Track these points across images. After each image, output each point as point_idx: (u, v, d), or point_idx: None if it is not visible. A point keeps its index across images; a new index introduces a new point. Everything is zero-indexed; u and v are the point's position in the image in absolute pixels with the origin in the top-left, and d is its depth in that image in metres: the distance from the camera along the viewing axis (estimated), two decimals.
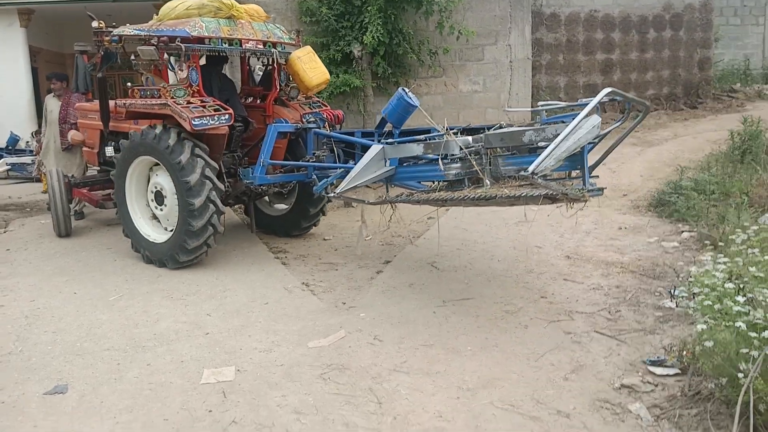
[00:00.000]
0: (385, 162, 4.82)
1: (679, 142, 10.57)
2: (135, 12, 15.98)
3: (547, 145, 3.85)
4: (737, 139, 8.55)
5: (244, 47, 6.01)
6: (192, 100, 5.70)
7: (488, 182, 4.29)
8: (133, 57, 6.16)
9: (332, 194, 5.26)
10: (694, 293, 3.19)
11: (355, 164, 5.52)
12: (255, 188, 6.17)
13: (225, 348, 4.18)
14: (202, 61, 6.27)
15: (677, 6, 13.58)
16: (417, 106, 5.45)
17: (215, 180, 5.67)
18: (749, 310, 2.81)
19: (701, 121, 12.51)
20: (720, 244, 4.76)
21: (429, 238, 6.72)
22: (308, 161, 5.91)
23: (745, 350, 2.71)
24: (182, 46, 5.58)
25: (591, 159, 4.25)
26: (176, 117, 5.55)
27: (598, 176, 4.38)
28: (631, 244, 6.03)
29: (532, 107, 11.06)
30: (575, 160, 4.03)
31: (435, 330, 4.34)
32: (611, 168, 8.75)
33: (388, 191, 5.09)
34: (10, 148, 11.58)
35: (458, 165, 4.47)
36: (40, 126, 8.49)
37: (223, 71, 6.84)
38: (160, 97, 5.74)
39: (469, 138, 4.49)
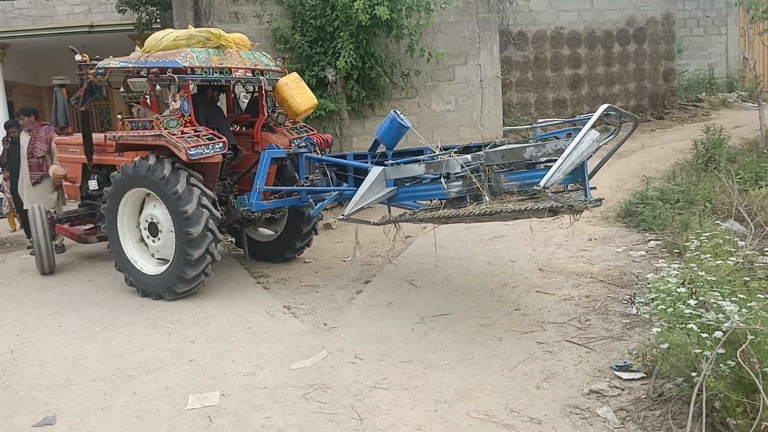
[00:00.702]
0: (386, 183, 4.95)
1: (646, 153, 10.89)
2: (110, 43, 16.12)
3: (548, 161, 4.14)
4: (701, 148, 8.86)
5: (234, 76, 6.10)
6: (185, 130, 5.73)
7: (488, 198, 4.49)
8: (122, 89, 6.23)
9: (340, 217, 5.27)
10: (651, 299, 3.38)
11: (348, 187, 5.75)
12: (249, 215, 6.18)
13: (209, 373, 4.29)
14: (193, 91, 6.36)
15: (640, 20, 14.04)
16: (409, 127, 5.64)
17: (212, 208, 5.70)
18: (701, 313, 3.00)
19: (668, 132, 12.88)
20: (682, 251, 4.98)
21: (407, 256, 6.88)
22: (302, 185, 6.02)
23: (698, 350, 2.90)
24: (175, 77, 5.62)
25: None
26: (171, 147, 5.57)
27: (596, 188, 4.55)
28: (601, 254, 6.25)
29: (504, 124, 11.36)
30: (575, 173, 4.20)
31: (414, 346, 4.49)
32: None
33: (390, 212, 5.19)
34: None
35: (459, 183, 4.62)
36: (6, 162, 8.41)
37: (215, 100, 6.87)
38: (152, 128, 5.77)
39: (468, 156, 4.66)
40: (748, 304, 3.02)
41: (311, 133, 6.79)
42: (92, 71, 6.13)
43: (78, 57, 6.31)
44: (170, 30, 6.28)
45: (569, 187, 4.46)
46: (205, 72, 5.85)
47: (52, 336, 5.19)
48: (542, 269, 5.97)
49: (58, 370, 4.50)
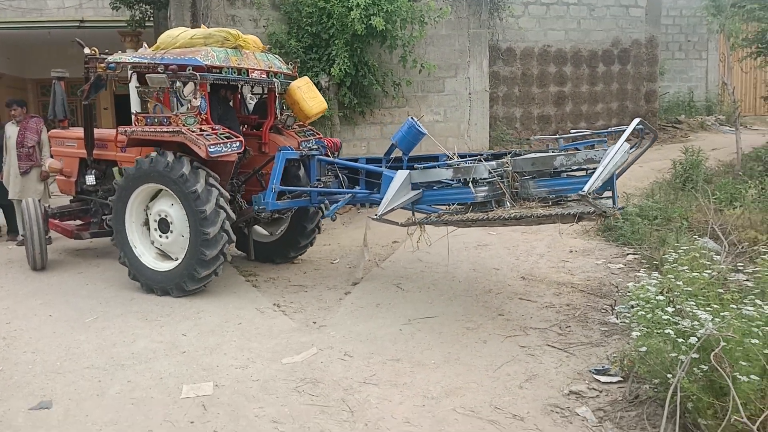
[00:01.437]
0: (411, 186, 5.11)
1: (626, 171, 11.17)
2: (100, 39, 16.11)
3: (578, 169, 4.51)
4: (679, 168, 9.17)
5: (251, 77, 6.14)
6: (203, 127, 5.77)
7: (509, 204, 4.72)
8: (137, 84, 6.25)
9: (373, 217, 5.32)
10: (631, 306, 3.58)
11: (361, 190, 5.96)
12: (261, 214, 6.19)
13: (202, 365, 4.40)
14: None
15: (625, 42, 14.43)
16: (425, 134, 5.89)
17: (228, 209, 5.75)
18: (678, 320, 3.21)
19: (648, 151, 13.20)
20: (658, 264, 5.21)
21: (394, 260, 7.05)
22: (314, 187, 6.15)
23: (674, 354, 3.10)
24: (197, 74, 5.65)
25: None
26: (190, 144, 5.60)
27: (619, 196, 4.73)
28: (581, 265, 6.47)
29: (490, 137, 11.61)
30: (606, 181, 4.39)
31: (401, 346, 4.65)
32: None
33: (414, 214, 5.33)
34: None
35: (485, 188, 4.82)
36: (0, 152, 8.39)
37: (228, 100, 6.92)
38: (170, 124, 5.79)
39: (494, 163, 4.88)
40: (721, 314, 3.23)
41: (317, 136, 6.88)
42: (102, 65, 6.15)
43: (87, 50, 6.32)
44: (184, 28, 6.35)
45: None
46: (226, 71, 5.90)
47: (44, 325, 5.25)
48: (525, 278, 6.17)
49: (51, 357, 4.58)
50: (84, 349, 4.71)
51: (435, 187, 5.13)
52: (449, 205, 5.14)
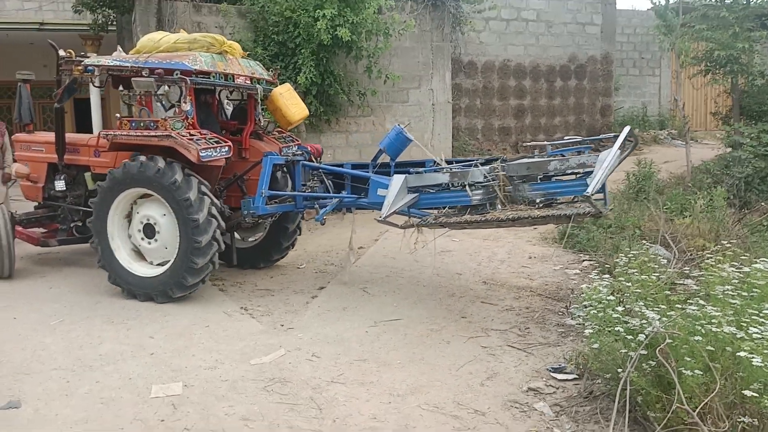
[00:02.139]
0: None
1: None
2: (60, 43, 15.86)
3: (573, 173, 4.89)
4: (633, 180, 9.57)
5: (236, 82, 6.13)
6: (192, 132, 5.75)
7: (500, 206, 5.02)
8: (121, 88, 6.17)
9: (378, 219, 5.41)
10: (584, 306, 3.81)
11: (348, 195, 6.09)
12: (245, 220, 6.19)
13: (171, 366, 4.46)
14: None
15: (581, 58, 14.94)
16: (412, 140, 6.09)
17: (219, 218, 5.73)
18: (627, 319, 3.44)
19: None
20: (611, 269, 5.48)
21: (360, 265, 7.18)
22: (304, 192, 6.23)
23: (624, 351, 3.32)
24: (186, 79, 5.63)
25: None
26: (180, 148, 5.57)
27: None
28: (540, 271, 6.73)
29: (452, 147, 11.87)
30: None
31: (368, 347, 4.78)
32: None
33: (409, 217, 5.48)
34: None
35: (481, 191, 5.07)
36: None
37: (208, 105, 6.90)
38: (157, 128, 5.73)
39: (488, 167, 5.14)
40: (668, 313, 3.47)
41: (296, 142, 6.95)
42: (79, 68, 6.05)
43: (62, 52, 6.23)
44: (164, 33, 6.32)
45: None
46: (213, 77, 5.88)
47: (8, 328, 5.22)
48: (486, 282, 6.38)
49: (17, 359, 4.57)
50: (50, 351, 4.71)
51: (432, 191, 5.31)
52: (441, 208, 5.35)
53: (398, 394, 3.99)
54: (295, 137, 7.16)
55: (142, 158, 5.68)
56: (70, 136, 6.82)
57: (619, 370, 3.29)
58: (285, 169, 6.51)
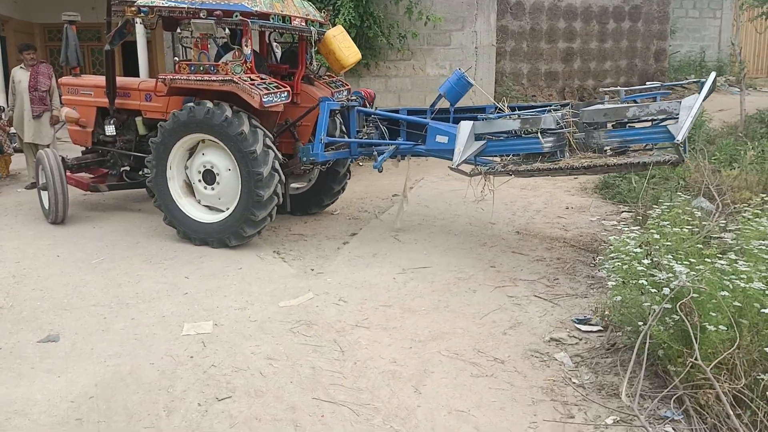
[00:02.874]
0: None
1: None
2: None
3: (648, 120, 4.84)
4: None
5: (293, 24, 5.96)
6: (252, 77, 5.66)
7: (567, 154, 5.02)
8: (179, 30, 6.09)
9: (451, 167, 5.39)
10: (610, 258, 3.73)
11: (404, 141, 6.05)
12: (302, 168, 6.16)
13: (203, 306, 4.61)
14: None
15: None
16: (473, 85, 6.05)
17: (275, 149, 5.68)
18: (654, 272, 3.35)
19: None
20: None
21: (393, 213, 7.18)
22: (361, 138, 6.19)
23: (647, 304, 3.25)
24: (248, 21, 5.48)
25: None
26: (243, 94, 5.50)
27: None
28: (576, 222, 6.61)
29: (495, 92, 11.59)
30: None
31: (394, 293, 4.83)
32: None
33: (476, 165, 5.46)
34: None
35: (552, 138, 5.00)
36: (7, 97, 8.39)
37: (260, 48, 6.77)
38: (217, 72, 5.67)
39: (559, 114, 5.07)
40: (697, 267, 3.37)
41: (347, 86, 6.81)
42: (132, 8, 5.88)
43: None
44: None
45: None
46: (274, 18, 5.73)
47: (52, 264, 5.46)
48: (519, 232, 6.31)
49: (59, 294, 4.80)
50: (90, 288, 4.92)
51: (500, 138, 5.25)
52: (503, 156, 5.33)
53: (420, 339, 4.03)
54: (346, 82, 7.01)
55: (209, 104, 5.60)
56: (121, 80, 6.73)
57: (641, 323, 3.24)
58: (339, 114, 6.39)
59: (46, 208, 6.65)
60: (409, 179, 6.43)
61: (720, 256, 3.60)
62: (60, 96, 8.28)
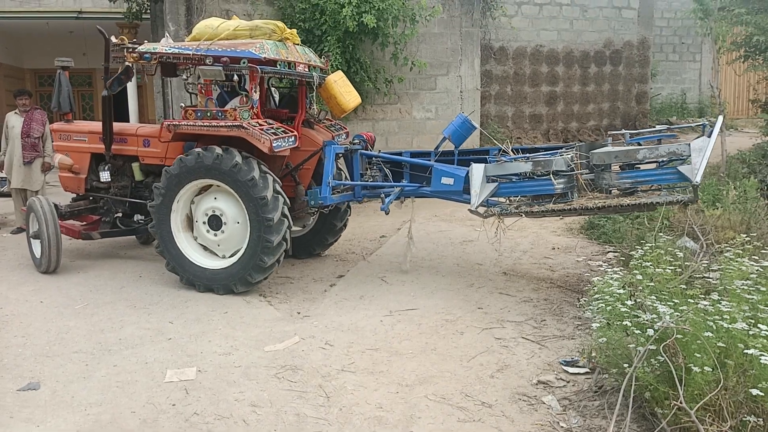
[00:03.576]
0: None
1: None
2: (96, 29, 16.18)
3: (654, 161, 5.05)
4: None
5: (297, 70, 6.00)
6: (259, 122, 5.68)
7: (575, 195, 5.21)
8: (185, 77, 6.10)
9: (470, 209, 5.47)
10: (594, 299, 3.74)
11: (408, 183, 6.15)
12: (316, 210, 6.15)
13: (187, 351, 4.55)
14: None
15: (617, 43, 14.58)
16: (477, 128, 6.18)
17: (284, 195, 5.65)
18: (638, 313, 3.36)
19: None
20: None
21: (380, 254, 7.19)
22: (366, 180, 6.26)
23: (632, 345, 3.25)
24: (257, 67, 5.52)
25: None
26: (252, 139, 5.50)
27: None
28: (562, 262, 6.63)
29: (480, 135, 11.74)
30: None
31: (381, 336, 4.80)
32: None
33: (487, 206, 5.55)
34: None
35: (564, 179, 5.17)
36: None
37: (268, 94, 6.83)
38: (225, 118, 5.66)
39: (568, 157, 5.24)
40: (680, 308, 3.39)
41: (345, 130, 6.87)
42: (133, 55, 5.91)
43: (114, 39, 6.08)
44: (221, 19, 6.18)
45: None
46: (281, 65, 5.76)
47: (35, 310, 5.39)
48: (506, 273, 6.32)
49: (41, 341, 4.72)
50: (73, 335, 4.85)
51: (513, 180, 5.38)
52: (510, 197, 5.48)
53: (407, 384, 3.99)
54: (344, 125, 7.09)
55: (218, 149, 5.55)
56: (117, 126, 6.66)
57: (626, 365, 3.23)
58: (341, 157, 6.42)
59: (38, 257, 6.47)
60: (413, 221, 6.48)
61: (703, 296, 3.63)
62: (52, 142, 8.31)
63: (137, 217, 6.96)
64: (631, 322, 3.26)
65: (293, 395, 3.87)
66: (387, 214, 6.06)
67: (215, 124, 5.66)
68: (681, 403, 2.85)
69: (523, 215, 5.40)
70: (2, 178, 8.55)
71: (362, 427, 3.49)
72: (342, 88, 6.60)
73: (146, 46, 5.97)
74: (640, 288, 3.68)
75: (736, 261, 3.88)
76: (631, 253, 6.28)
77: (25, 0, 16.66)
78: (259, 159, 5.62)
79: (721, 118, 5.00)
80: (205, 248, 5.96)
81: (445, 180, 5.76)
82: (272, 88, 7.19)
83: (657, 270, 3.80)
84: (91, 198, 6.99)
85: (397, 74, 10.38)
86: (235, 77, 5.75)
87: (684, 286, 3.86)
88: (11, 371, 4.21)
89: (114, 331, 4.94)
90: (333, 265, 6.80)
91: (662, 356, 3.18)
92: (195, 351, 4.55)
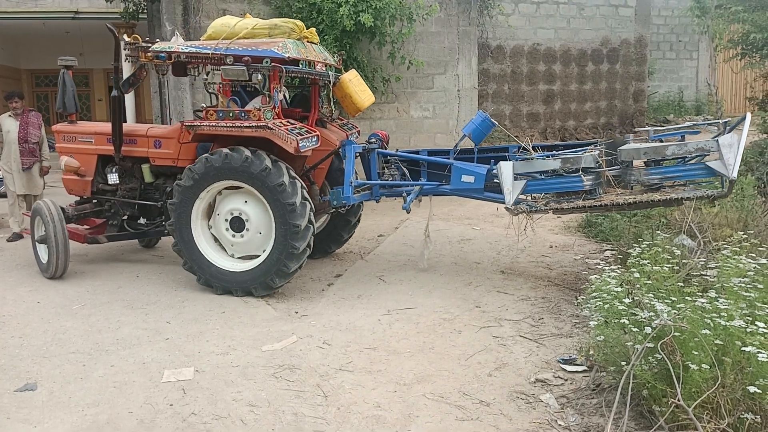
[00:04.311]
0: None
1: None
2: (94, 31, 16.17)
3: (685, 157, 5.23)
4: None
5: (315, 70, 5.93)
6: (281, 122, 5.59)
7: (600, 191, 5.33)
8: (205, 76, 5.96)
9: (506, 207, 5.50)
10: (592, 297, 3.74)
11: (427, 182, 6.17)
12: (337, 209, 6.13)
13: (184, 351, 4.54)
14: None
15: (614, 41, 14.58)
16: (496, 125, 6.30)
17: (311, 202, 5.61)
18: (636, 311, 3.36)
19: None
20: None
21: (378, 254, 7.19)
22: (386, 180, 6.25)
23: (630, 343, 3.25)
24: (282, 67, 5.44)
25: None
26: (278, 140, 5.42)
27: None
28: (560, 260, 6.63)
29: None
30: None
31: (379, 335, 4.79)
32: None
33: (518, 203, 5.57)
34: None
35: (592, 176, 5.28)
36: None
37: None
38: (248, 118, 5.53)
39: (597, 152, 5.37)
40: (677, 306, 3.39)
41: (356, 129, 6.84)
42: (148, 54, 5.80)
43: (127, 38, 5.92)
44: (236, 18, 6.01)
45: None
46: (302, 64, 5.68)
47: (32, 311, 5.38)
48: (504, 272, 6.32)
49: (38, 342, 4.71)
50: (70, 335, 4.84)
51: (540, 177, 5.45)
52: (531, 195, 5.57)
53: (404, 383, 3.99)
54: (355, 124, 7.04)
55: (247, 152, 5.43)
56: (127, 127, 6.49)
57: (624, 363, 3.23)
58: (358, 156, 6.36)
59: (44, 262, 6.30)
60: (431, 219, 6.50)
61: (701, 294, 3.63)
62: (48, 144, 8.23)
63: (142, 219, 6.82)
64: (628, 319, 3.25)
65: (291, 395, 3.86)
66: (408, 212, 6.04)
67: (239, 125, 5.53)
68: (678, 400, 2.84)
69: (551, 212, 5.47)
70: None
71: (360, 426, 3.48)
72: (357, 87, 6.55)
73: (161, 45, 5.84)
74: (638, 286, 3.68)
75: (734, 258, 3.88)
76: (628, 251, 6.31)
77: (21, 0, 16.65)
78: (281, 160, 5.54)
79: (748, 115, 5.05)
80: (216, 240, 5.86)
81: (465, 178, 5.79)
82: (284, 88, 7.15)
83: (654, 268, 3.80)
84: (94, 201, 6.81)
85: (395, 73, 10.38)
86: (260, 77, 5.62)
87: (681, 284, 3.86)
88: (8, 372, 4.20)
89: (111, 331, 4.93)
90: (331, 265, 6.79)
91: (660, 354, 3.18)
92: (192, 351, 4.54)
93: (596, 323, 3.46)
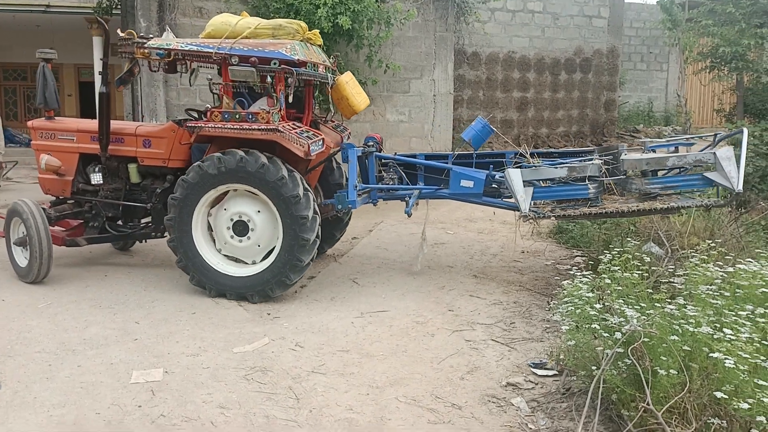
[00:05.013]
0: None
1: None
2: (66, 25, 15.87)
3: (684, 168, 5.51)
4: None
5: (318, 71, 5.83)
6: (288, 125, 5.49)
7: (601, 199, 5.56)
8: (209, 77, 5.81)
9: (522, 215, 5.45)
10: (563, 302, 3.79)
11: (425, 186, 6.24)
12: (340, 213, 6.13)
13: (153, 352, 4.47)
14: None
15: (587, 51, 14.82)
16: (495, 131, 6.43)
17: (312, 192, 5.52)
18: (606, 316, 3.41)
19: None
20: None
21: (352, 256, 7.18)
22: (387, 183, 6.27)
23: (600, 348, 3.30)
24: (292, 69, 5.35)
25: None
26: (287, 143, 5.33)
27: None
28: (531, 266, 6.70)
29: (453, 139, 11.82)
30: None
31: (352, 338, 4.78)
32: None
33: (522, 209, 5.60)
34: None
35: (596, 184, 5.46)
36: None
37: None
38: (256, 121, 5.38)
39: (600, 161, 5.56)
40: (647, 312, 3.45)
41: (348, 131, 6.83)
42: (144, 51, 5.60)
43: (121, 33, 5.71)
44: (236, 16, 5.86)
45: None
46: (309, 66, 5.57)
47: None
48: (477, 276, 6.36)
49: (2, 341, 4.59)
50: (35, 334, 4.73)
51: (547, 184, 5.58)
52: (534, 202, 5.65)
53: (377, 385, 3.98)
54: (346, 126, 7.01)
55: (240, 153, 5.32)
56: (114, 124, 6.20)
57: (594, 367, 3.28)
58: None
59: (22, 266, 5.96)
60: (427, 222, 6.54)
61: (669, 300, 3.70)
62: (4, 138, 8.04)
63: (123, 220, 6.54)
64: (599, 325, 3.30)
65: (262, 397, 3.83)
66: (410, 216, 6.06)
67: (247, 127, 5.39)
68: (647, 405, 2.89)
69: (556, 218, 5.63)
70: None
71: (332, 429, 3.47)
72: (353, 89, 6.49)
73: (158, 41, 5.67)
74: (609, 292, 3.74)
75: (701, 266, 3.96)
76: (599, 257, 6.40)
77: None
78: (295, 170, 5.44)
79: (745, 130, 5.34)
80: (210, 229, 5.71)
81: (464, 183, 5.87)
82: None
83: (625, 274, 3.86)
84: (71, 201, 6.46)
85: (371, 76, 10.39)
86: (267, 78, 5.50)
87: (650, 291, 3.93)
88: None
89: (78, 330, 4.83)
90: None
91: (629, 359, 3.23)
92: (162, 352, 4.47)
93: (567, 328, 3.50)
